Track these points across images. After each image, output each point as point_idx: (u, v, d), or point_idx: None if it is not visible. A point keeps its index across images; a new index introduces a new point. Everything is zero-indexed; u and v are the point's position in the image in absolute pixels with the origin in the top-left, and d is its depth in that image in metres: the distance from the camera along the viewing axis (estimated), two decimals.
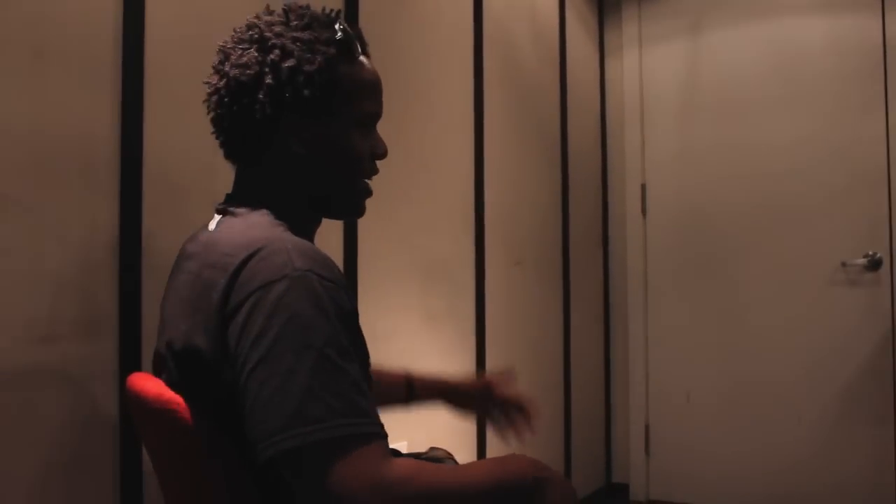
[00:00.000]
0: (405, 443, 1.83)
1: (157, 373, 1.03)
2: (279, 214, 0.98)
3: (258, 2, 1.57)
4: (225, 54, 1.01)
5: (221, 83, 1.00)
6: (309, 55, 0.98)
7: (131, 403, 1.02)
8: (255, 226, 0.95)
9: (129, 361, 1.30)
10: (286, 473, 0.78)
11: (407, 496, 0.78)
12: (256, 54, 0.98)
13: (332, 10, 1.05)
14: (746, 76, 3.07)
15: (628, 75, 3.34)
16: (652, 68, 3.30)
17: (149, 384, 0.95)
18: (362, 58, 1.05)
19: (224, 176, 1.46)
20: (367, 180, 1.09)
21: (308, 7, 1.05)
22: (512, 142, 2.61)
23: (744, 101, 3.07)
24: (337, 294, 0.85)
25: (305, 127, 1.00)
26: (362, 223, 1.85)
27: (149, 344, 1.32)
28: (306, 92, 0.97)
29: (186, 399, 0.89)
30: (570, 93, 3.04)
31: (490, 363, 2.38)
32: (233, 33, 1.04)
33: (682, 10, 3.24)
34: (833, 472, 2.84)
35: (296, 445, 0.76)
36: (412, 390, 1.38)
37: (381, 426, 0.81)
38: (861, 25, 2.87)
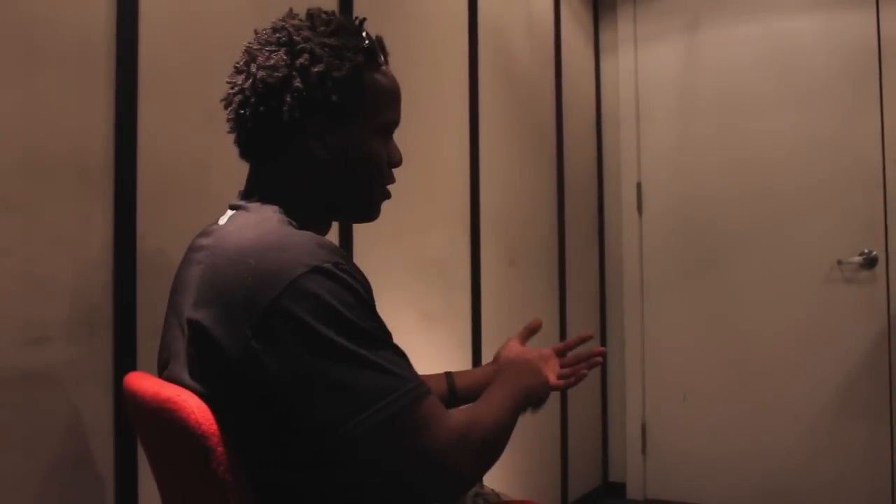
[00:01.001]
0: None
1: (161, 370, 1.02)
2: (291, 213, 0.99)
3: (253, 4, 1.57)
4: (251, 55, 1.01)
5: (247, 84, 0.99)
6: (337, 61, 0.98)
7: (128, 402, 1.02)
8: (268, 220, 0.96)
9: (125, 362, 1.29)
10: (368, 451, 0.84)
11: (477, 438, 0.92)
12: (285, 57, 0.98)
13: (357, 18, 1.07)
14: (742, 75, 3.08)
15: (623, 74, 3.35)
16: (647, 67, 3.31)
17: (145, 383, 0.95)
18: (384, 66, 1.07)
19: (219, 177, 1.46)
20: (385, 186, 1.10)
21: (333, 13, 1.06)
22: (507, 140, 2.61)
23: (739, 99, 3.08)
24: (361, 278, 0.90)
25: (329, 131, 1.01)
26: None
27: (144, 344, 1.32)
28: (334, 97, 0.98)
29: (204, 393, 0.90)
30: (566, 91, 3.04)
31: (486, 363, 2.38)
32: (255, 34, 1.04)
33: (677, 9, 3.24)
34: (829, 469, 2.85)
35: (387, 416, 0.83)
36: (454, 394, 1.37)
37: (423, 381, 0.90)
38: (856, 23, 2.88)
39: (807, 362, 2.91)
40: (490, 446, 0.95)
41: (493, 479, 2.27)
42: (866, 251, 2.82)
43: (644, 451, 3.25)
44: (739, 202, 3.07)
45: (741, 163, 3.07)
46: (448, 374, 1.39)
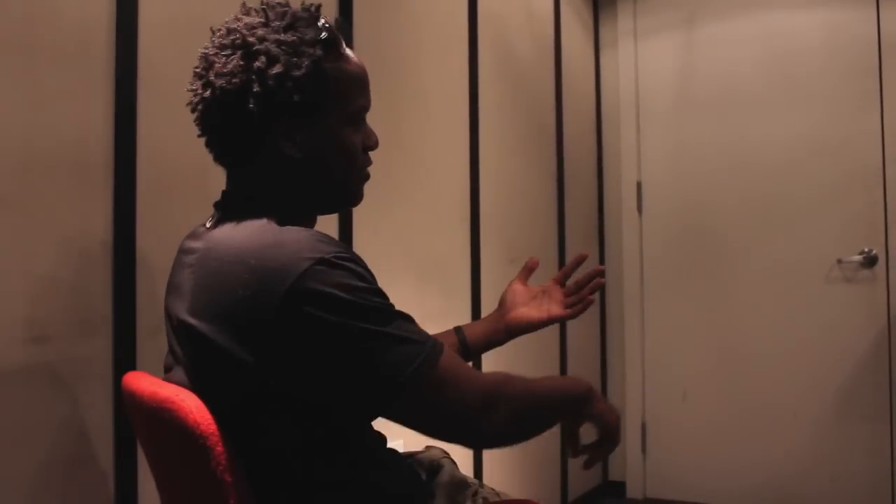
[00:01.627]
0: (401, 441, 1.83)
1: (167, 370, 1.02)
2: (276, 212, 0.97)
3: (254, 3, 1.57)
4: (208, 62, 0.97)
5: (207, 92, 0.96)
6: (295, 59, 0.94)
7: (127, 402, 1.02)
8: (256, 220, 0.94)
9: (124, 360, 1.29)
10: (403, 412, 0.88)
11: (505, 398, 0.93)
12: (241, 62, 0.94)
13: (312, 5, 1.02)
14: (742, 71, 3.08)
15: (623, 70, 3.34)
16: (647, 63, 3.30)
17: (144, 383, 0.95)
18: (347, 51, 1.02)
19: (217, 175, 1.45)
20: (362, 172, 1.08)
21: (287, 4, 1.01)
22: (507, 138, 2.61)
23: (739, 96, 3.08)
24: (363, 264, 0.91)
25: (297, 129, 0.98)
26: (357, 221, 1.85)
27: (144, 342, 1.32)
28: (296, 97, 0.95)
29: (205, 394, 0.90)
30: (566, 88, 3.04)
31: (486, 363, 2.38)
32: (212, 36, 1.00)
33: (676, 5, 3.24)
34: (829, 468, 2.85)
35: (411, 381, 0.85)
36: (466, 346, 1.37)
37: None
38: (856, 21, 2.87)
39: (807, 361, 2.91)
40: (520, 410, 0.96)
41: (494, 479, 2.27)
42: (866, 250, 2.82)
43: (644, 450, 3.25)
44: (740, 201, 3.06)
45: (741, 161, 3.06)
46: (458, 329, 1.39)
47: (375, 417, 0.92)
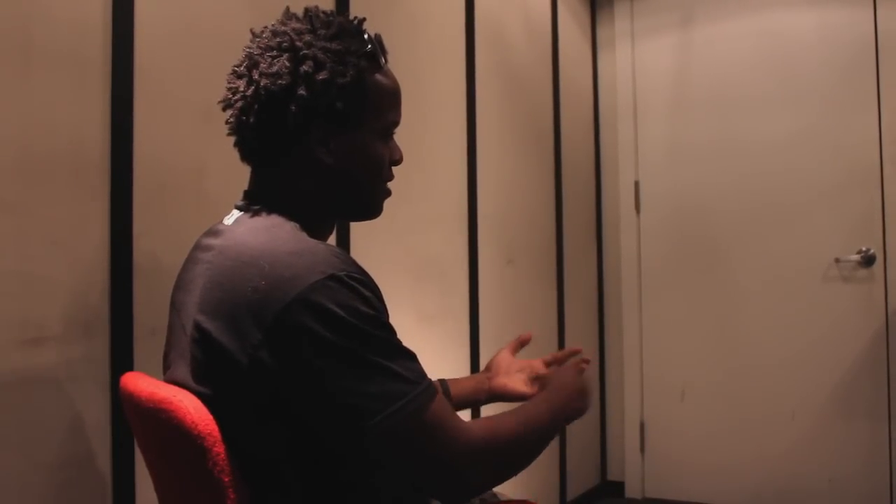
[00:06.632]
0: None
1: (165, 370, 1.02)
2: (297, 217, 0.99)
3: (247, 6, 1.57)
4: (252, 60, 1.00)
5: (249, 90, 0.98)
6: (341, 67, 0.97)
7: (124, 403, 1.02)
8: (280, 226, 0.96)
9: (122, 362, 1.29)
10: (379, 453, 0.86)
11: (493, 451, 0.93)
12: (288, 64, 0.96)
13: (356, 18, 1.06)
14: (739, 71, 3.08)
15: (621, 71, 3.34)
16: (644, 63, 3.30)
17: (141, 384, 0.95)
18: (385, 66, 1.06)
19: (215, 177, 1.46)
20: (386, 185, 1.10)
21: (332, 13, 1.05)
22: (505, 139, 2.61)
23: (736, 96, 3.08)
24: (374, 287, 0.91)
25: (333, 136, 1.00)
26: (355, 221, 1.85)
27: (141, 343, 1.32)
28: (339, 104, 0.98)
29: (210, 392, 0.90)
30: (563, 89, 3.04)
31: (484, 363, 2.38)
32: (254, 37, 1.03)
33: (673, 5, 3.24)
34: (827, 468, 2.85)
35: (398, 420, 0.83)
36: (448, 401, 1.36)
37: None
38: (853, 19, 2.87)
39: (805, 361, 2.91)
40: (507, 461, 0.97)
41: None
42: (864, 249, 2.82)
43: (642, 449, 3.25)
44: (737, 200, 3.06)
45: (739, 161, 3.06)
46: (442, 382, 1.39)
47: (352, 453, 0.88)
